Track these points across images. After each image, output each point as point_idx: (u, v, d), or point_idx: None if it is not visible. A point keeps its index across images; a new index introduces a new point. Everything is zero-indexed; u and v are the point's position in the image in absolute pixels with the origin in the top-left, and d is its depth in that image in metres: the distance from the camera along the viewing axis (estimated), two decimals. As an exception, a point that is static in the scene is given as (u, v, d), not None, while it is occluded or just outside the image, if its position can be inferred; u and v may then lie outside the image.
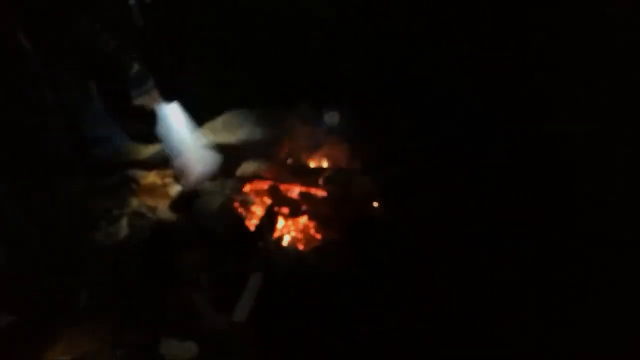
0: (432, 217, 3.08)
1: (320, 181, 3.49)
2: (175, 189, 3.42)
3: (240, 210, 3.33)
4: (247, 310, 2.61)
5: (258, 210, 3.36)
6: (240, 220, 3.21)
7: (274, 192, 3.43)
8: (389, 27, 3.64)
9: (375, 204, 3.31)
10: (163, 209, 3.24)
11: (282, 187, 3.50)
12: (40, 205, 2.81)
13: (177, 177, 3.39)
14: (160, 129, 3.26)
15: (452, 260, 2.83)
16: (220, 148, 3.61)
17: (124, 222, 3.07)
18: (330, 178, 3.53)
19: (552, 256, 2.76)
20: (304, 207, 3.34)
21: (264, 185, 3.52)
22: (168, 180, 3.48)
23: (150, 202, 3.28)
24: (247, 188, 3.52)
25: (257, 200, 3.45)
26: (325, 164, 3.74)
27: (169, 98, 3.24)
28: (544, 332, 2.44)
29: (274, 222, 3.25)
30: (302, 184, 3.53)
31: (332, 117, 3.66)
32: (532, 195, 3.02)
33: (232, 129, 3.80)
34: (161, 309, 2.58)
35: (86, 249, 2.86)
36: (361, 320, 2.59)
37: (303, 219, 3.32)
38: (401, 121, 3.59)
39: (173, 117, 3.27)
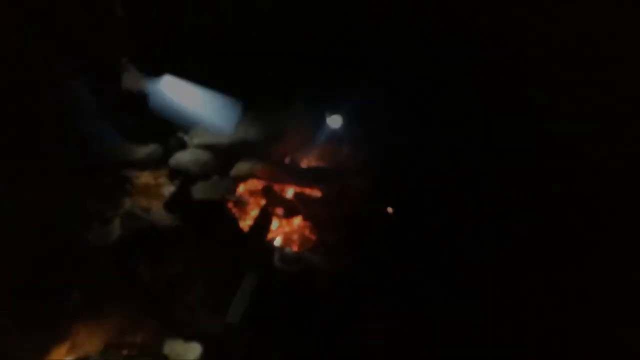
0: (430, 216, 3.08)
1: (315, 181, 3.51)
2: (168, 189, 3.39)
3: (235, 210, 3.32)
4: (240, 312, 2.61)
5: (252, 211, 3.35)
6: (234, 221, 3.21)
7: (268, 192, 3.42)
8: (391, 28, 3.63)
9: (371, 205, 3.31)
10: (157, 210, 3.21)
11: (277, 187, 3.49)
12: (38, 204, 2.80)
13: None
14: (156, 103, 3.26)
15: (452, 259, 2.83)
16: (213, 148, 3.59)
17: (117, 223, 3.04)
18: (325, 178, 3.53)
19: (552, 256, 2.77)
20: (298, 208, 3.36)
21: (259, 185, 3.51)
22: (162, 180, 3.45)
23: (144, 202, 3.24)
24: (241, 188, 3.50)
25: (251, 200, 3.43)
26: (320, 164, 3.75)
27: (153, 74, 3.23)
28: (544, 332, 2.45)
29: (268, 223, 3.24)
30: (297, 184, 3.54)
31: (334, 120, 3.65)
32: (533, 195, 3.03)
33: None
34: (165, 310, 2.58)
35: (81, 250, 2.85)
36: (357, 321, 2.60)
37: (297, 220, 3.32)
38: (399, 122, 3.59)
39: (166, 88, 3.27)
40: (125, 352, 2.36)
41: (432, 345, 2.46)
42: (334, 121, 3.64)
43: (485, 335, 2.46)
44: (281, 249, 3.04)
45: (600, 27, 2.92)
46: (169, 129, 3.67)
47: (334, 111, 3.67)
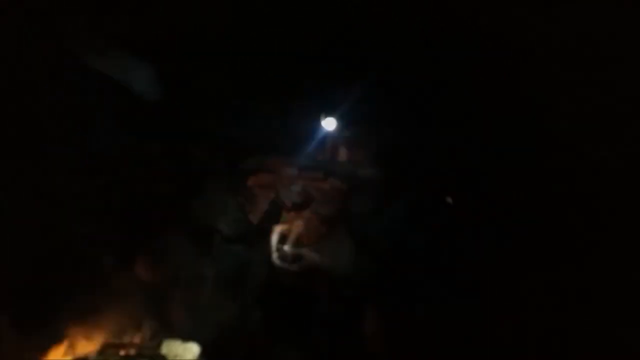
0: (430, 216, 3.08)
1: (324, 175, 3.51)
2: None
3: (244, 204, 3.34)
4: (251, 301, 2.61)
5: (261, 204, 3.38)
6: (243, 214, 3.22)
7: (277, 186, 3.43)
8: (391, 28, 3.63)
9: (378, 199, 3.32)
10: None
11: (286, 181, 3.52)
12: (38, 204, 2.80)
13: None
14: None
15: (452, 259, 2.83)
16: (222, 141, 3.58)
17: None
18: (333, 172, 3.54)
19: (552, 256, 2.76)
20: (307, 201, 3.37)
21: (268, 179, 3.54)
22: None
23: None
24: (250, 182, 3.53)
25: (260, 194, 3.46)
26: (328, 159, 3.73)
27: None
28: (544, 332, 2.45)
29: (277, 216, 3.26)
30: (306, 178, 3.54)
31: (329, 123, 3.67)
32: (533, 195, 3.02)
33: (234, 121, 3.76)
34: (164, 310, 2.59)
35: (81, 250, 2.85)
36: (357, 321, 2.60)
37: (307, 213, 3.35)
38: (399, 122, 3.59)
39: None
40: (123, 352, 2.36)
41: (432, 345, 2.46)
42: (329, 123, 3.65)
43: (485, 335, 2.46)
44: (281, 247, 3.05)
45: (600, 27, 2.92)
46: (168, 124, 3.66)
47: (329, 113, 3.67)
